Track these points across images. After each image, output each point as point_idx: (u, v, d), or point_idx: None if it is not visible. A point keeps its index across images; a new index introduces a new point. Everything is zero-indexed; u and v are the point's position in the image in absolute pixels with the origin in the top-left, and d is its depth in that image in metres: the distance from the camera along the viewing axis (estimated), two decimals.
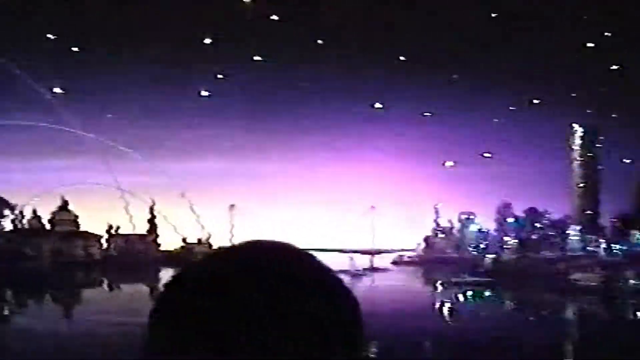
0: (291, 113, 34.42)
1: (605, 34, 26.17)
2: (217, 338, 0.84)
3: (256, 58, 31.39)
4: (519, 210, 29.16)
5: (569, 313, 21.20)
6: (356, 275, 27.94)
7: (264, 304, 0.84)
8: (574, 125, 27.57)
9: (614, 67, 26.77)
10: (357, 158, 33.40)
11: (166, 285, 0.89)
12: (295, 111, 33.69)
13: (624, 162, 27.60)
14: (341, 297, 0.88)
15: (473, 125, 32.01)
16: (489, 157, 32.64)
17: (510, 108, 31.62)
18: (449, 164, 32.17)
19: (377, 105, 32.01)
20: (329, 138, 33.71)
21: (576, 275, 23.61)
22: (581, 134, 27.16)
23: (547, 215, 28.09)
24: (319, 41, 28.92)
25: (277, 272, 0.86)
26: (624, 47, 24.67)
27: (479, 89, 30.21)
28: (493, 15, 28.36)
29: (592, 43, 26.24)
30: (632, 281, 22.96)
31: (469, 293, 25.01)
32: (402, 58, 29.83)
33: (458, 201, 30.95)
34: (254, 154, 36.53)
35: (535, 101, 30.61)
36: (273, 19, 29.21)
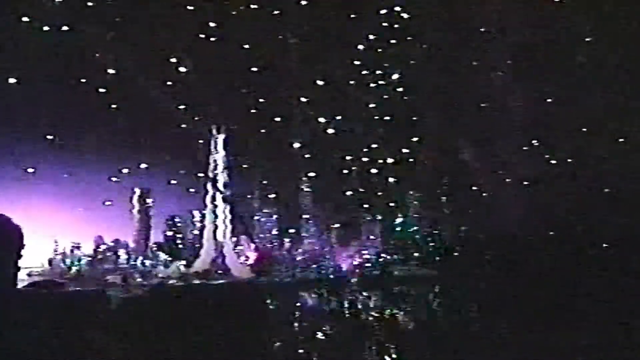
0: None
1: (200, 118, 42.93)
2: None
3: None
4: (109, 240, 46.91)
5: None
6: None
7: None
8: (135, 189, 46.29)
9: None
10: (14, 209, 49.14)
11: None
12: None
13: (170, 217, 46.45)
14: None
15: (100, 182, 49.04)
16: (109, 204, 50.18)
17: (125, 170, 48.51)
18: (79, 209, 48.90)
19: (29, 169, 47.99)
20: None
21: (109, 277, 41.86)
22: (139, 195, 46.16)
23: (120, 243, 46.53)
24: None
25: None
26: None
27: (106, 155, 46.84)
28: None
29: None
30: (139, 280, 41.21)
31: None
32: (49, 137, 45.77)
33: (85, 234, 47.90)
34: None
35: (143, 166, 47.56)
36: None
